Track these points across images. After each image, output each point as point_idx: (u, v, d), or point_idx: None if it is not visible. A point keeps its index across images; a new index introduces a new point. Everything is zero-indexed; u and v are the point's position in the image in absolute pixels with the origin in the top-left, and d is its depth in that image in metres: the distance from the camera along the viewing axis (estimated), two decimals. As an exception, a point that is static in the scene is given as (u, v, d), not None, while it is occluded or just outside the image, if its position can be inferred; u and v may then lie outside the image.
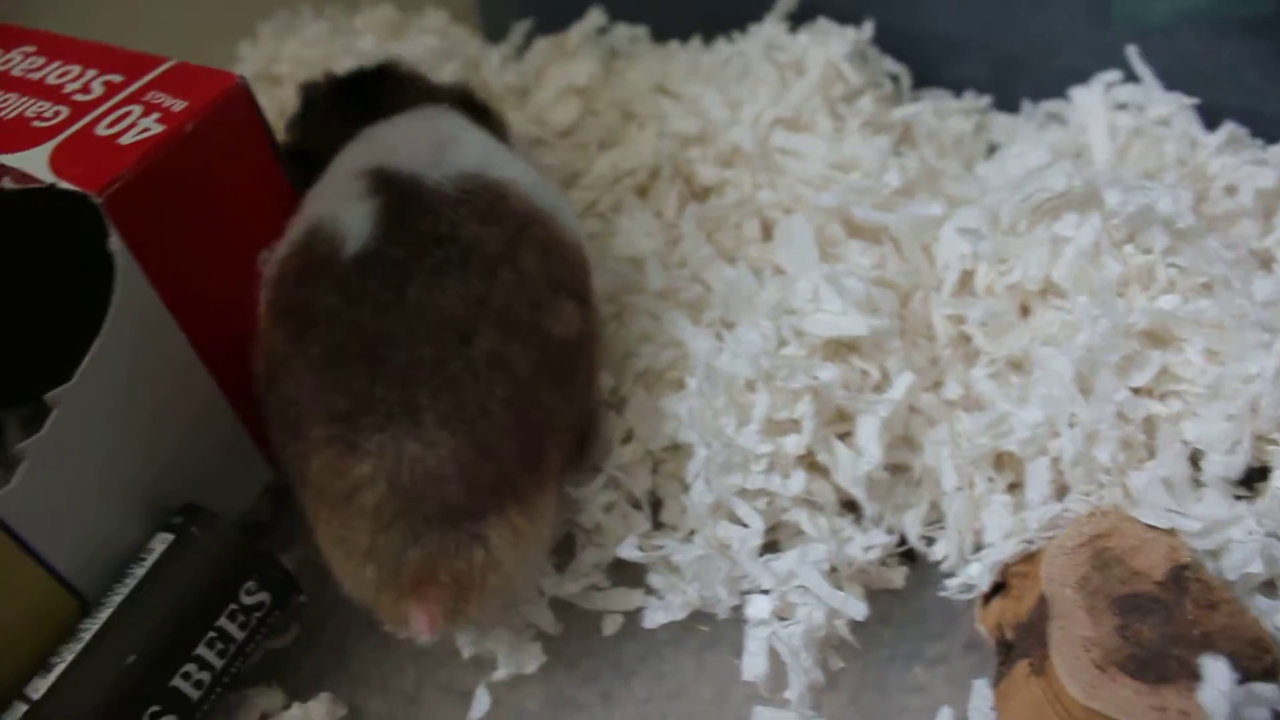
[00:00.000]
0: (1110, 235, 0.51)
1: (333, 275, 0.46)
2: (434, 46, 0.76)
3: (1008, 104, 0.69)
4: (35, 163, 0.45)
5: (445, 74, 0.73)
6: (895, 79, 0.69)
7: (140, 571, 0.47)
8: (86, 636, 0.46)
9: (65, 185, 0.44)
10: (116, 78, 0.49)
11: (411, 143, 0.51)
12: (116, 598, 0.47)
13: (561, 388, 0.47)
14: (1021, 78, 0.68)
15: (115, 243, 0.44)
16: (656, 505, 0.54)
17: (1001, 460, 0.52)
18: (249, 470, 0.55)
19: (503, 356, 0.45)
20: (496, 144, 0.54)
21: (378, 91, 0.59)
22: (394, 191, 0.48)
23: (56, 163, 0.45)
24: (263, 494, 0.58)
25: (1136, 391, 0.50)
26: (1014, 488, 0.52)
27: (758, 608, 0.49)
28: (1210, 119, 0.61)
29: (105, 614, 0.46)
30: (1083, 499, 0.49)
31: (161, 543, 0.48)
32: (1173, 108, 0.60)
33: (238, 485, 0.55)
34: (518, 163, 0.53)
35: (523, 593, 0.51)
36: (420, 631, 0.44)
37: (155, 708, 0.46)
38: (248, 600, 0.48)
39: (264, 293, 0.49)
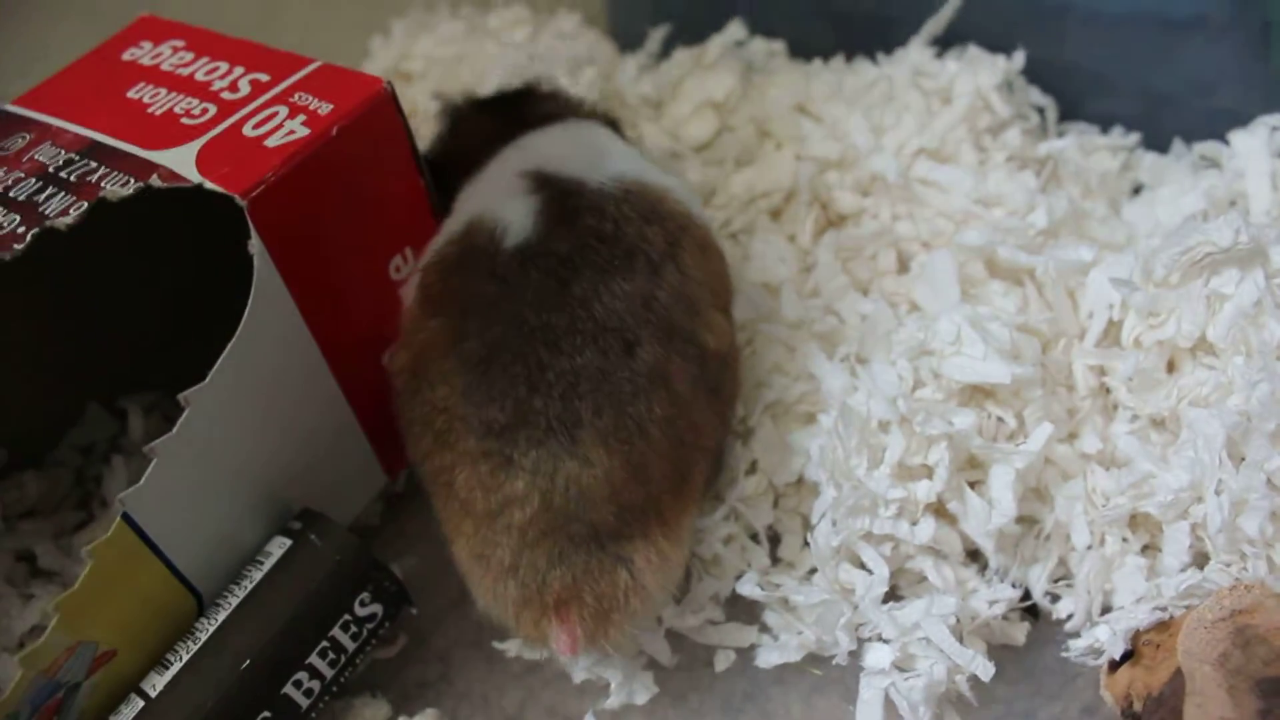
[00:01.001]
0: (1273, 295, 0.48)
1: (492, 264, 0.46)
2: (569, 52, 0.75)
3: (1156, 143, 0.66)
4: (183, 160, 0.45)
5: (582, 81, 0.72)
6: (1041, 111, 0.67)
7: (257, 575, 0.48)
8: (203, 637, 0.46)
9: (211, 186, 0.44)
10: (263, 77, 0.49)
11: (569, 148, 0.52)
12: (233, 599, 0.47)
13: (713, 406, 0.47)
14: (1172, 116, 0.65)
15: (256, 245, 0.44)
16: (775, 540, 0.53)
17: (1136, 521, 0.50)
18: (365, 476, 0.55)
19: (664, 371, 0.44)
20: (648, 160, 0.54)
21: (522, 106, 0.59)
22: (556, 189, 0.48)
23: (203, 161, 0.45)
24: (375, 499, 0.58)
25: (1289, 461, 0.47)
26: (1147, 550, 0.50)
27: (877, 656, 0.48)
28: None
29: (222, 615, 0.46)
30: (1224, 570, 0.46)
31: (279, 547, 0.48)
32: (1340, 157, 0.57)
33: (353, 490, 0.55)
34: (669, 174, 0.53)
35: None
36: (561, 651, 0.44)
37: (266, 713, 0.46)
38: (361, 611, 0.48)
39: (416, 285, 0.49)
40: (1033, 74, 0.67)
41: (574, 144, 0.52)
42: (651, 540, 0.44)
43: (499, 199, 0.49)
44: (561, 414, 0.43)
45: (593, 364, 0.44)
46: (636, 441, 0.43)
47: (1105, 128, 0.67)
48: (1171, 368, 0.52)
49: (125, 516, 0.43)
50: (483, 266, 0.46)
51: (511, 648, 0.52)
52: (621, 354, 0.44)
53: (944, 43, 0.69)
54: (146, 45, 0.53)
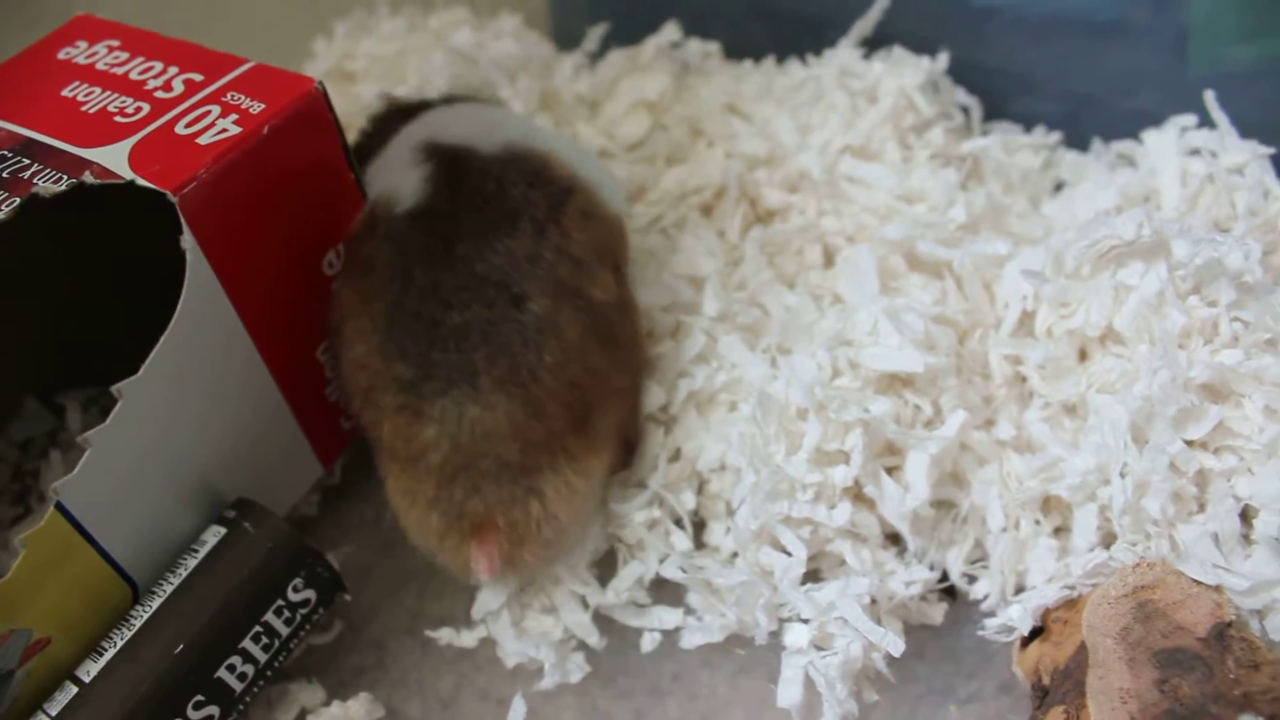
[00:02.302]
0: (1175, 286, 0.50)
1: (386, 228, 0.49)
2: (508, 51, 0.76)
3: (1078, 142, 0.68)
4: (116, 158, 0.46)
5: (519, 83, 0.73)
6: (966, 111, 0.69)
7: (192, 563, 0.48)
8: (137, 624, 0.47)
9: (143, 182, 0.44)
10: (197, 76, 0.50)
11: (464, 120, 0.55)
12: (168, 587, 0.48)
13: (608, 352, 0.50)
14: (1093, 116, 0.67)
15: (188, 240, 0.45)
16: (700, 526, 0.55)
17: (1049, 504, 0.52)
18: (300, 465, 0.56)
19: (554, 321, 0.48)
20: (541, 124, 0.59)
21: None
22: (446, 156, 0.51)
23: (136, 159, 0.46)
24: (311, 489, 0.59)
25: (1190, 444, 0.49)
26: (1059, 531, 0.52)
27: (796, 636, 0.49)
28: (1286, 170, 0.60)
29: (156, 603, 0.47)
30: (1129, 549, 0.48)
31: (214, 535, 0.49)
32: (1248, 156, 0.59)
33: (289, 480, 0.56)
34: (561, 137, 0.56)
35: (575, 550, 0.53)
36: (481, 572, 0.48)
37: (199, 697, 0.46)
38: (294, 597, 0.49)
39: (341, 263, 0.52)
40: (959, 75, 0.69)
41: (469, 116, 0.55)
42: (560, 473, 0.48)
43: (397, 171, 0.51)
44: (459, 364, 0.47)
45: (481, 317, 0.47)
46: (531, 386, 0.47)
47: (1029, 127, 0.69)
48: (1083, 356, 0.53)
49: (59, 505, 0.44)
50: (378, 231, 0.49)
51: (444, 635, 0.53)
52: (509, 306, 0.47)
53: (872, 44, 0.70)
54: (82, 44, 0.53)
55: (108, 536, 0.46)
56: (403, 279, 0.48)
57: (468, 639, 0.53)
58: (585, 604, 0.52)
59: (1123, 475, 0.48)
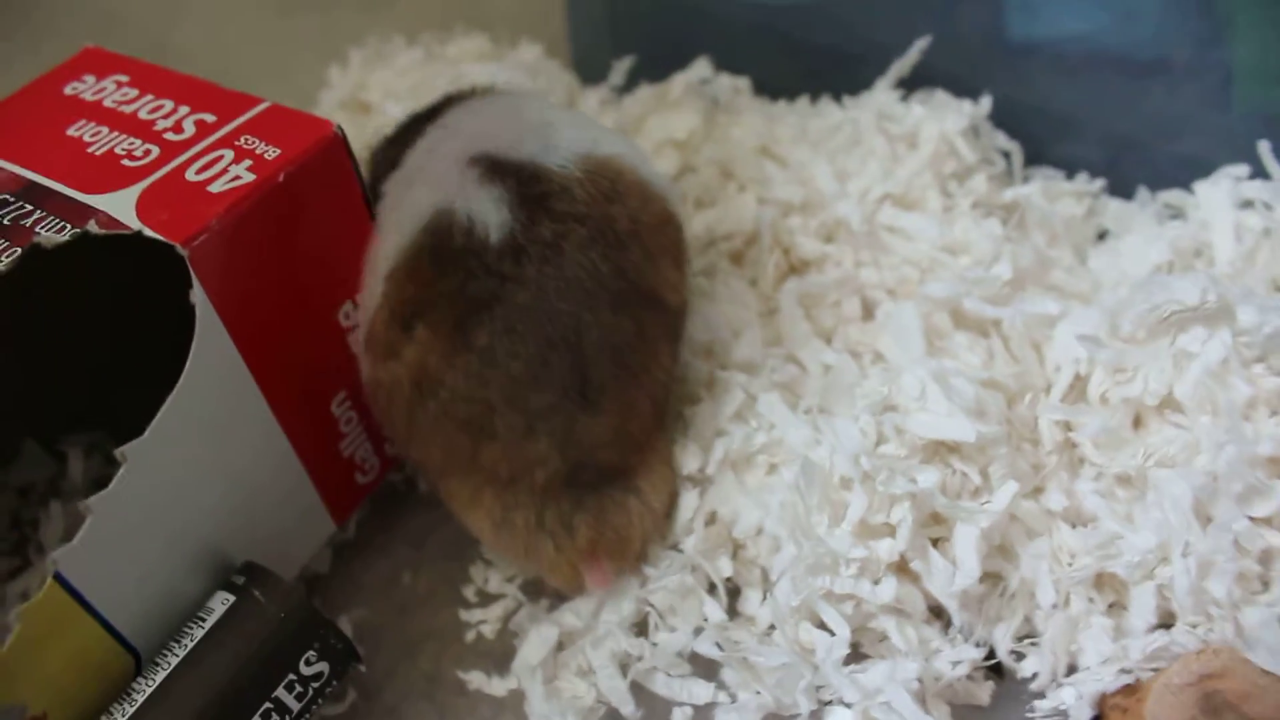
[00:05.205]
0: (1240, 354, 0.48)
1: (481, 261, 0.47)
2: (529, 84, 0.74)
3: (1120, 188, 0.65)
4: (123, 205, 0.44)
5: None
6: (1007, 156, 0.66)
7: (198, 632, 0.46)
8: (140, 699, 0.44)
9: (151, 233, 0.42)
10: (209, 117, 0.48)
11: (510, 127, 0.51)
12: (173, 659, 0.45)
13: (673, 351, 0.52)
14: (1137, 162, 0.65)
15: (198, 295, 0.42)
16: (734, 593, 0.52)
17: (1102, 579, 0.49)
18: (313, 523, 0.54)
19: (641, 324, 0.49)
20: (590, 119, 0.58)
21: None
22: (517, 176, 0.48)
23: (144, 206, 0.43)
24: (323, 547, 0.56)
25: (1254, 521, 0.47)
26: (1113, 608, 0.49)
27: (839, 721, 0.47)
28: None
29: (160, 675, 0.45)
30: (1190, 631, 0.46)
31: (221, 603, 0.47)
32: (1305, 210, 0.56)
33: (300, 538, 0.53)
34: (622, 137, 0.55)
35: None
36: (597, 588, 0.51)
37: (205, 779, 0.44)
38: (307, 670, 0.46)
39: (379, 295, 0.48)
40: (998, 117, 0.67)
41: (513, 122, 0.52)
42: (652, 469, 0.51)
43: (455, 190, 0.48)
44: (570, 378, 0.47)
45: (592, 331, 0.47)
46: (630, 388, 0.49)
47: (1070, 172, 0.67)
48: (1138, 424, 0.51)
49: (58, 576, 0.41)
50: (473, 267, 0.47)
51: (474, 679, 0.51)
52: (611, 318, 0.48)
53: (909, 84, 0.68)
54: (90, 79, 0.51)
55: (109, 605, 0.44)
56: (521, 314, 0.46)
57: (498, 687, 0.51)
58: (625, 670, 0.50)
59: (1185, 555, 0.46)
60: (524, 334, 0.46)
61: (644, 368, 0.49)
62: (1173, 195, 0.62)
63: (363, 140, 0.56)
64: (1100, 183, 0.65)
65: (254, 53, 0.74)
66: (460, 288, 0.46)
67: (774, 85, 0.74)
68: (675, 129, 0.68)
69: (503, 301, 0.46)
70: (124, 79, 0.51)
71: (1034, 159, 0.67)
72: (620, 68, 0.76)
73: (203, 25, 0.77)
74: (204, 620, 0.46)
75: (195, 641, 0.45)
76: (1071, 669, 0.48)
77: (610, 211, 0.48)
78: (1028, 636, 0.49)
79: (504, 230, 0.47)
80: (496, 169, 0.48)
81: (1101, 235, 0.64)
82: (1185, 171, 0.62)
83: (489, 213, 0.47)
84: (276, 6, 0.85)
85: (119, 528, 0.43)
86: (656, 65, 0.75)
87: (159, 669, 0.45)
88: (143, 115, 0.48)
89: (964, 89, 0.67)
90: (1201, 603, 0.46)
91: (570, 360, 0.47)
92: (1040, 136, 0.67)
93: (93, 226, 0.42)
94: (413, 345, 0.47)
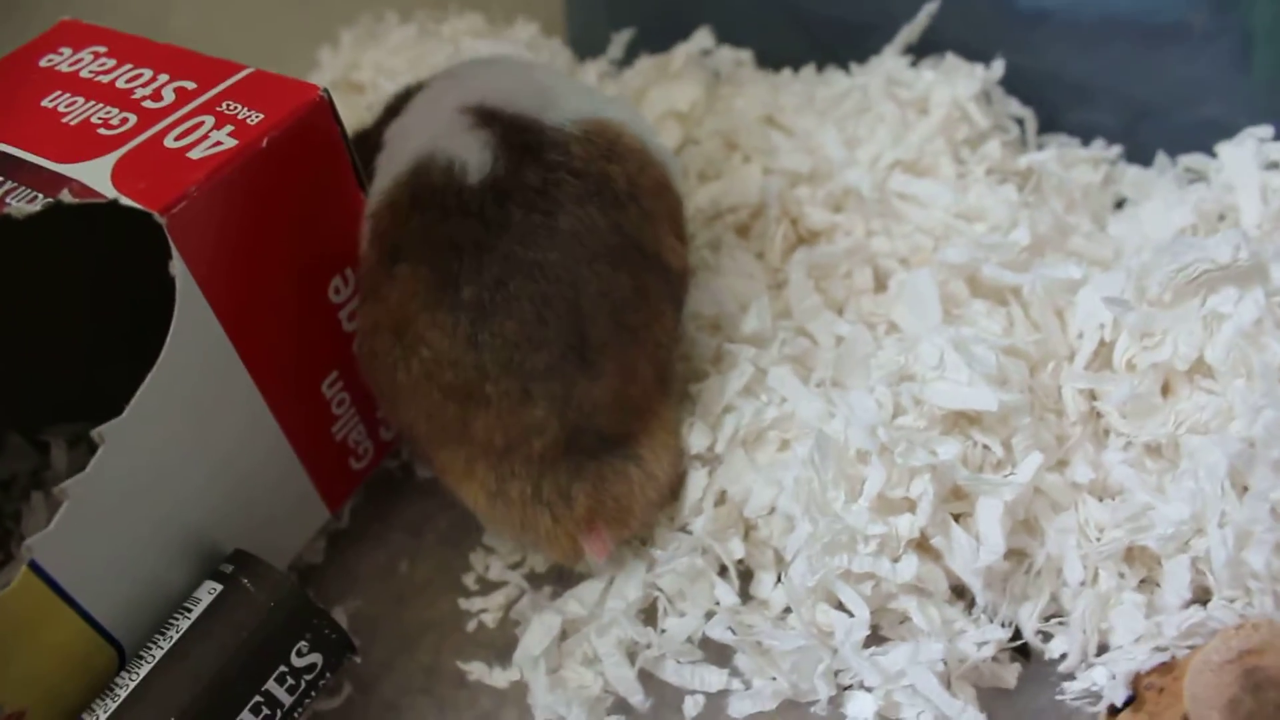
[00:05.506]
0: (1274, 314, 0.45)
1: (460, 201, 0.45)
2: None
3: (1138, 155, 0.63)
4: (98, 174, 0.41)
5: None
6: (1021, 123, 0.64)
7: (184, 624, 0.44)
8: (123, 694, 0.42)
9: (127, 201, 0.40)
10: (190, 84, 0.45)
11: (513, 84, 0.51)
12: (157, 651, 0.43)
13: (675, 315, 0.50)
14: (1154, 128, 0.63)
15: (177, 265, 0.40)
16: (746, 576, 0.50)
17: (1132, 554, 0.47)
18: (305, 511, 0.52)
19: (643, 286, 0.47)
20: (598, 91, 0.57)
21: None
22: (508, 125, 0.47)
23: (120, 175, 0.41)
24: (317, 534, 0.54)
25: (1291, 490, 0.44)
26: (1144, 584, 0.47)
27: (860, 706, 0.45)
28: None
29: (144, 669, 0.42)
30: (1227, 606, 0.43)
31: (209, 593, 0.44)
32: (1331, 169, 0.54)
33: (292, 527, 0.52)
34: (621, 104, 0.54)
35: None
36: (597, 558, 0.48)
37: (193, 777, 0.42)
38: (299, 662, 0.44)
39: (368, 232, 0.48)
40: (1010, 84, 0.65)
41: (518, 80, 0.51)
42: (653, 435, 0.49)
43: (442, 134, 0.47)
44: (569, 336, 0.45)
45: (590, 286, 0.46)
46: (630, 349, 0.47)
47: (1085, 139, 0.64)
48: (1167, 391, 0.49)
49: (33, 564, 0.39)
50: (449, 205, 0.45)
51: (475, 670, 0.50)
52: (610, 273, 0.46)
53: (918, 51, 0.66)
54: (66, 51, 0.49)
55: (89, 596, 0.42)
56: (506, 259, 0.45)
57: (500, 678, 0.49)
58: (632, 658, 0.48)
59: (1221, 525, 0.43)
60: (517, 291, 0.45)
61: (645, 327, 0.47)
62: (1194, 159, 0.60)
63: (353, 124, 0.54)
64: (1117, 149, 0.63)
65: (239, 33, 0.72)
66: (437, 223, 0.45)
67: (777, 58, 0.72)
68: (677, 100, 0.66)
69: (490, 252, 0.45)
70: (101, 49, 0.49)
71: (1048, 126, 0.65)
72: (619, 40, 0.74)
73: (196, 9, 0.75)
74: (190, 611, 0.44)
75: (181, 633, 0.43)
76: (1102, 649, 0.46)
77: (608, 170, 0.47)
78: (1055, 615, 0.47)
79: (483, 171, 0.46)
80: (488, 117, 0.47)
81: (1119, 203, 0.62)
82: (1203, 137, 0.61)
83: (471, 154, 0.46)
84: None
85: (98, 513, 0.41)
86: (654, 41, 0.73)
87: (143, 662, 0.43)
88: (120, 84, 0.46)
89: (974, 56, 0.65)
90: (1239, 575, 0.43)
91: (568, 318, 0.45)
92: (1054, 103, 0.65)
93: (66, 196, 0.40)
94: (394, 285, 0.46)
